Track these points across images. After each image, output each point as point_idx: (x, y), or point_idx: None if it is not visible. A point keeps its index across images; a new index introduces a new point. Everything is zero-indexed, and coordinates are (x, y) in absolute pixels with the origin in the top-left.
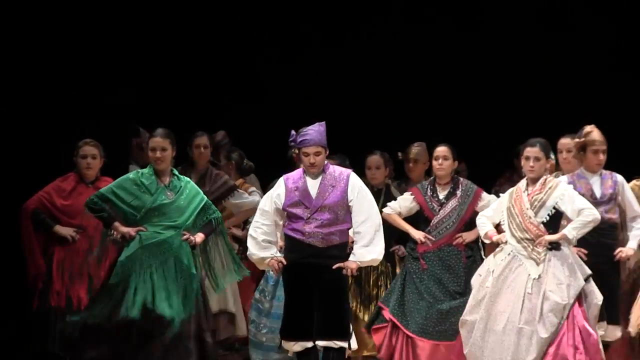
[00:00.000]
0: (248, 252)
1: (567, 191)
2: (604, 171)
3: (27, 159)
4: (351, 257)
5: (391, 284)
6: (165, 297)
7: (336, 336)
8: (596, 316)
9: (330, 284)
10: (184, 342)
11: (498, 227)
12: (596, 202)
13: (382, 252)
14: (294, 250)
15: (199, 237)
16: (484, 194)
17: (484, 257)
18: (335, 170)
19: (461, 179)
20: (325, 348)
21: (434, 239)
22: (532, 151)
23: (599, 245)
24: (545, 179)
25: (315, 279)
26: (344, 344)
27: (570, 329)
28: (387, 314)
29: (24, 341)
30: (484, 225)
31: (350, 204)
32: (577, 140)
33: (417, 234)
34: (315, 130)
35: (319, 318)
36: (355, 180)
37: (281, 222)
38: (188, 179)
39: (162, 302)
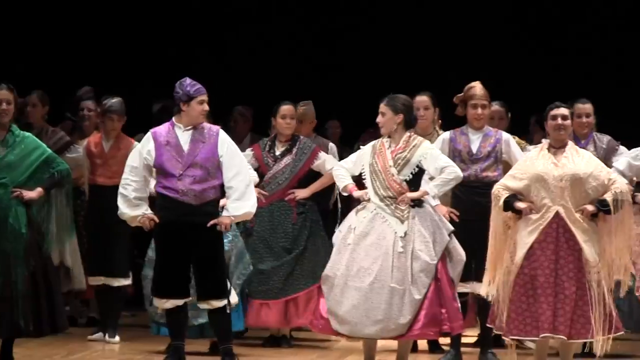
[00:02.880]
0: (119, 211)
1: (430, 150)
2: (490, 128)
3: None
4: (224, 212)
5: None
6: None
7: (214, 296)
8: (459, 273)
9: (206, 243)
10: (16, 305)
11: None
12: (472, 159)
13: (254, 206)
14: (167, 208)
15: (36, 192)
16: (321, 153)
17: (339, 209)
18: (204, 125)
19: (301, 137)
20: (208, 309)
21: (267, 194)
22: (380, 107)
23: (471, 202)
24: (410, 136)
25: (190, 237)
26: (222, 303)
27: (436, 288)
28: None
29: None
30: (342, 178)
31: (220, 159)
32: (458, 95)
33: None
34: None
35: (196, 279)
36: (224, 136)
37: (150, 178)
38: (28, 134)
39: None
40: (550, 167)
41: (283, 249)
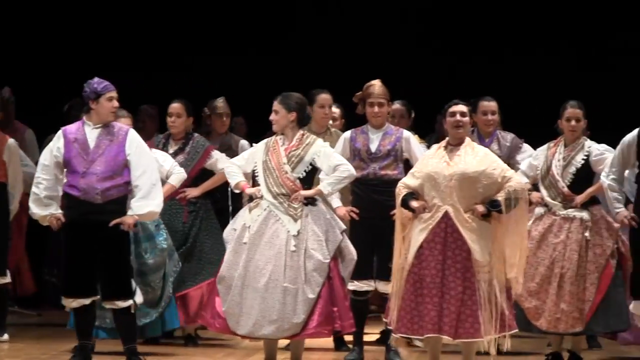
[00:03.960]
0: (30, 210)
1: (324, 148)
2: (392, 127)
3: None
4: (128, 212)
5: None
6: None
7: (119, 296)
8: (350, 272)
9: (110, 242)
10: None
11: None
12: (371, 158)
13: (160, 205)
14: (71, 207)
15: None
16: (214, 152)
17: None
18: (115, 125)
19: (196, 135)
20: (113, 309)
21: None
22: (274, 105)
23: (371, 200)
24: (303, 134)
25: (95, 236)
26: (127, 304)
27: (329, 286)
28: None
29: None
30: (234, 175)
31: (128, 158)
32: (357, 93)
33: None
34: None
35: (101, 279)
36: (133, 136)
37: (61, 177)
38: None
39: None
40: (442, 166)
41: (171, 248)
